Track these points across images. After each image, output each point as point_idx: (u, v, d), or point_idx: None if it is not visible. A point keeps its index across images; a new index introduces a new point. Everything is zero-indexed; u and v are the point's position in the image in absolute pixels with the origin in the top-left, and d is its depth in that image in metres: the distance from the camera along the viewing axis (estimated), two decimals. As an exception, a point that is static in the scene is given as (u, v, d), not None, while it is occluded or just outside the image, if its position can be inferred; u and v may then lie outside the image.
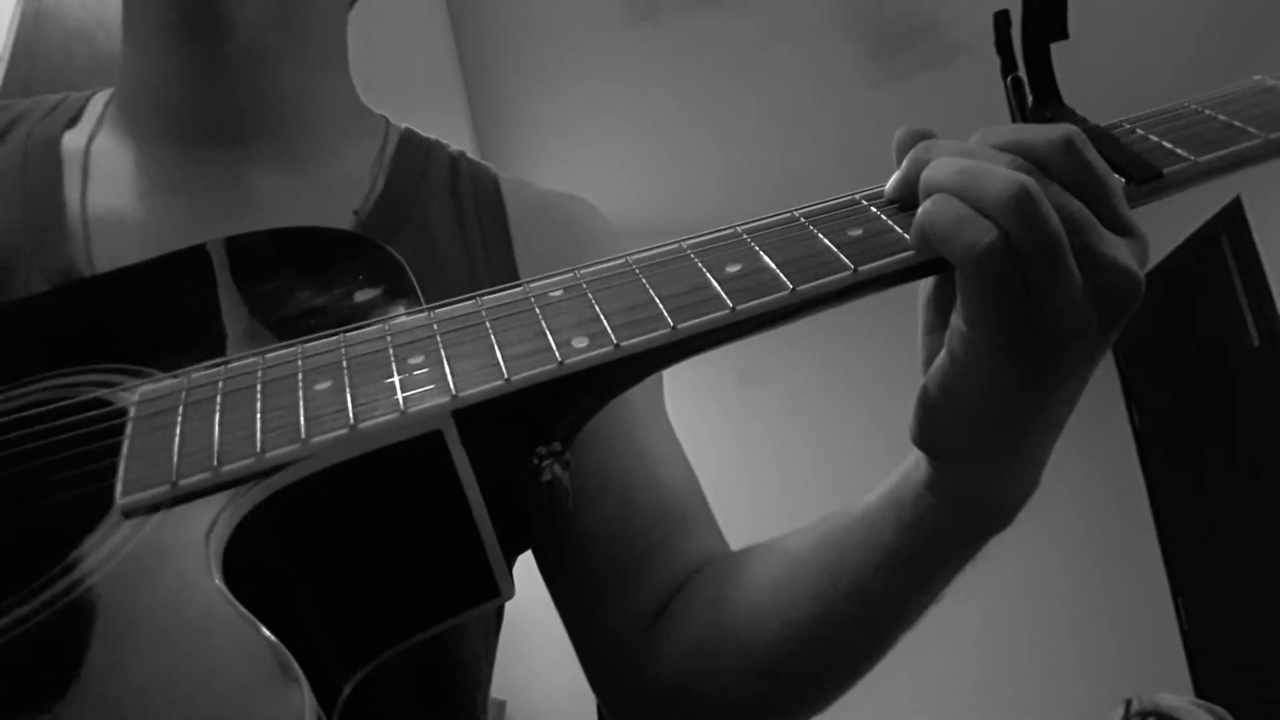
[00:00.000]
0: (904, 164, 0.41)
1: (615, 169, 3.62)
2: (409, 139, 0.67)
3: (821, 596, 0.49)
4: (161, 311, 0.48)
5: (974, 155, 0.38)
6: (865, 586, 0.47)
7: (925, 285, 0.42)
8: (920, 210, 0.38)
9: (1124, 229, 0.38)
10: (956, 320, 0.38)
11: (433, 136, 0.69)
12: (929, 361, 0.42)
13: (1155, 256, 3.69)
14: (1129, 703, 1.97)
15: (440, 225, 0.61)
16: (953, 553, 0.45)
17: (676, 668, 0.55)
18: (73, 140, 0.61)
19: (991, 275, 0.36)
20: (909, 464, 0.45)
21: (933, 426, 0.41)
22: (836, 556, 0.49)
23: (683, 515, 0.59)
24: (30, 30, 1.29)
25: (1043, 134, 0.38)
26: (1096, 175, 0.38)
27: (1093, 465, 3.82)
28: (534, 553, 0.59)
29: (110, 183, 0.58)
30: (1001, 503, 0.43)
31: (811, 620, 0.50)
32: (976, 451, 0.41)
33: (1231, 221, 3.29)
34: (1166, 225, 3.61)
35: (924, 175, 0.39)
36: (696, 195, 3.70)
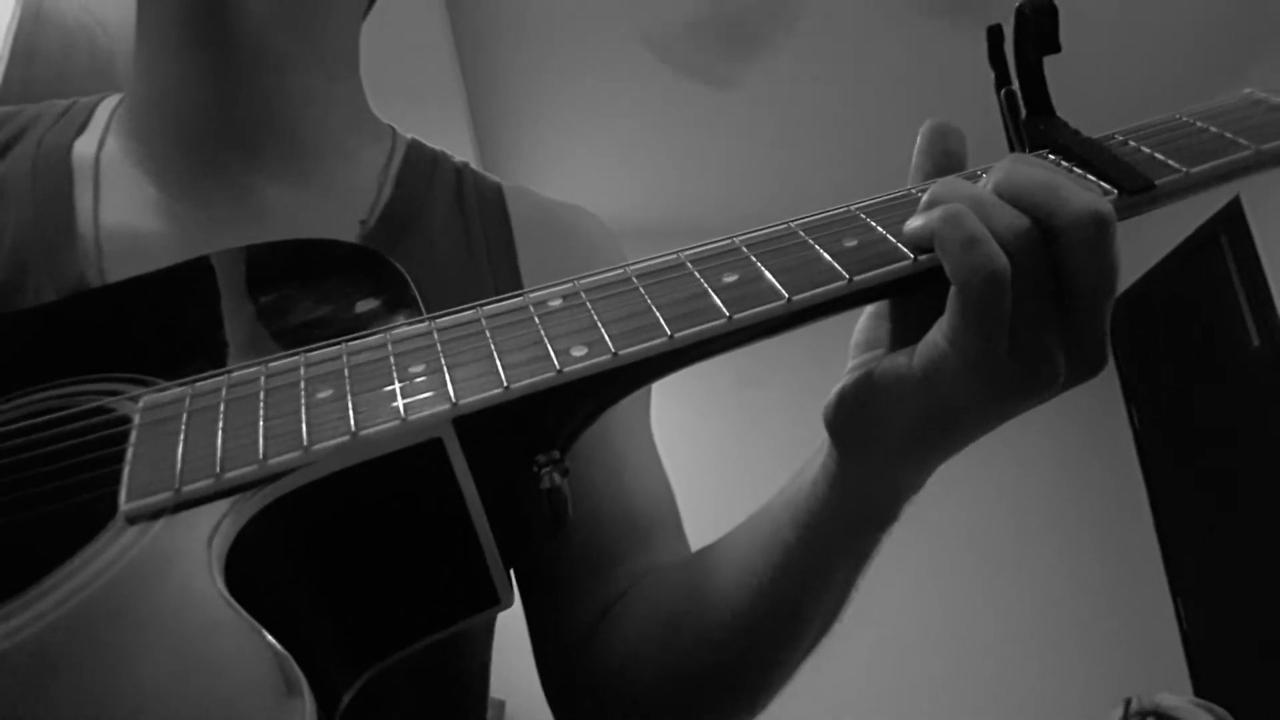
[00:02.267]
0: (921, 204, 0.40)
1: (615, 169, 3.62)
2: (416, 149, 0.67)
3: (729, 598, 0.50)
4: (168, 321, 0.49)
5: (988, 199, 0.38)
6: (767, 586, 0.48)
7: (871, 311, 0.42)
8: (932, 217, 0.37)
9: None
10: (936, 334, 0.38)
11: (438, 148, 0.69)
12: (866, 345, 0.43)
13: (1155, 256, 3.69)
14: (1129, 703, 1.98)
15: (446, 235, 0.61)
16: (841, 546, 0.45)
17: (602, 668, 0.56)
18: (82, 148, 0.61)
19: (989, 304, 0.36)
20: (805, 460, 0.46)
21: (858, 415, 0.41)
22: (746, 557, 0.49)
23: (648, 530, 0.59)
24: (30, 30, 1.30)
25: (1080, 199, 0.36)
26: (1111, 262, 0.37)
27: (1093, 465, 3.83)
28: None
29: (120, 192, 0.59)
30: (889, 502, 0.43)
31: (720, 623, 0.50)
32: (888, 449, 0.41)
33: (1231, 221, 3.29)
34: (1166, 225, 3.61)
35: (935, 191, 0.39)
36: (696, 196, 3.70)
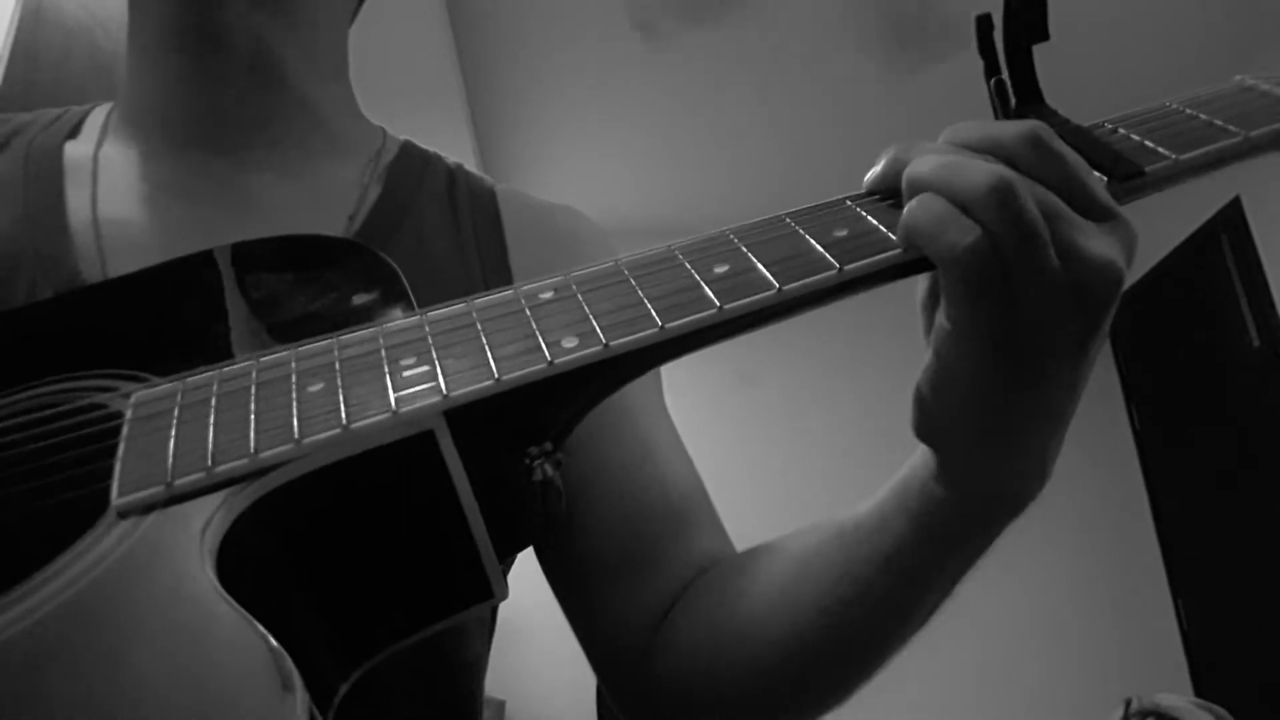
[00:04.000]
0: (883, 160, 0.41)
1: (615, 169, 3.62)
2: (408, 150, 0.68)
3: (830, 592, 0.49)
4: (160, 318, 0.49)
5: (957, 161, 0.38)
6: (874, 580, 0.47)
7: (921, 289, 0.42)
8: (905, 210, 0.38)
9: (1102, 214, 0.38)
10: (940, 319, 0.38)
11: (431, 149, 0.69)
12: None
13: (1155, 256, 3.69)
14: (1129, 703, 1.97)
15: (436, 233, 0.62)
16: (959, 542, 0.45)
17: (683, 666, 0.55)
18: (75, 149, 0.61)
19: (973, 274, 0.36)
20: (915, 457, 0.46)
21: (928, 420, 0.42)
22: (845, 552, 0.49)
23: (687, 513, 0.59)
24: (30, 30, 1.30)
25: (1009, 129, 0.38)
26: (1066, 164, 0.38)
27: (1093, 465, 3.82)
28: (536, 553, 0.59)
29: (119, 189, 0.59)
30: (1007, 492, 0.43)
31: (819, 616, 0.49)
32: (974, 442, 0.41)
33: (1231, 221, 3.29)
34: (1166, 225, 3.61)
35: (907, 172, 0.39)
36: (696, 195, 3.70)
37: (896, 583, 0.47)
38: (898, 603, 0.48)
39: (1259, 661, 3.19)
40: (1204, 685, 3.41)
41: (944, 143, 0.40)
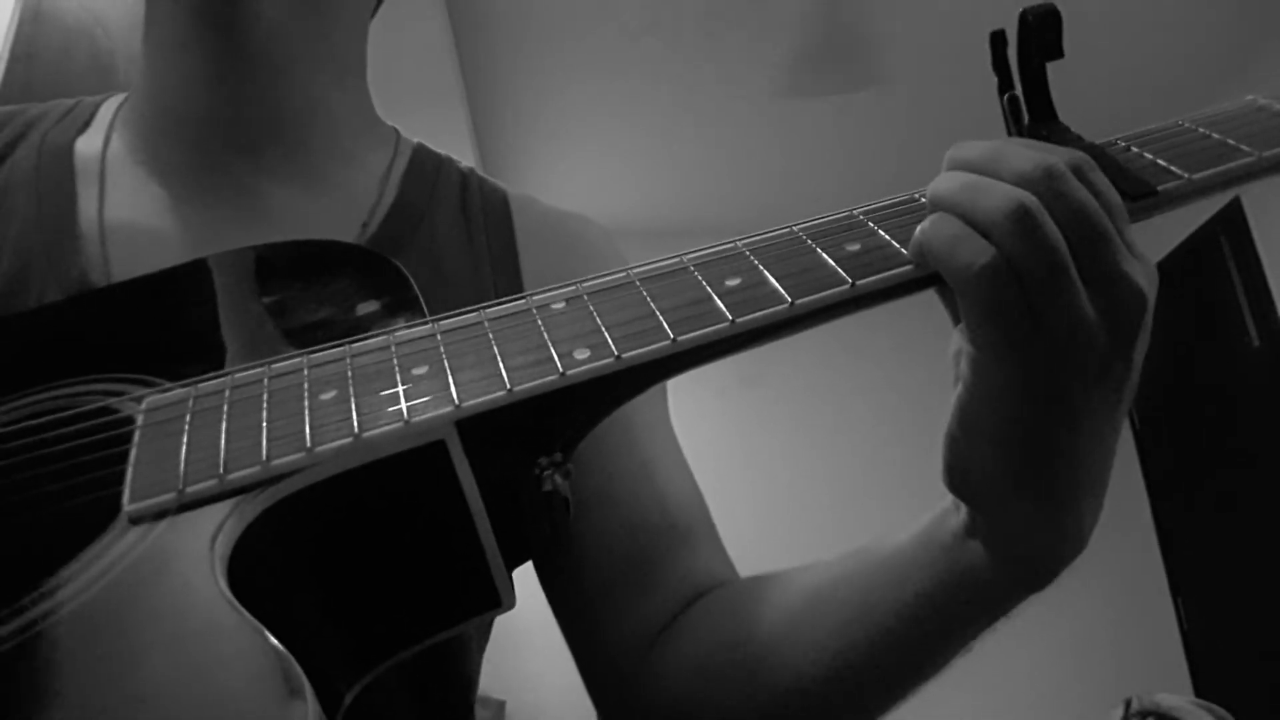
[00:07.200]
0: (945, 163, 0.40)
1: (615, 169, 3.62)
2: (421, 154, 0.67)
3: (841, 633, 0.48)
4: (171, 322, 0.49)
5: (995, 159, 0.38)
6: (889, 628, 0.46)
7: (954, 341, 0.41)
8: (919, 229, 0.38)
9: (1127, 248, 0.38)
10: (966, 345, 0.38)
11: (444, 153, 0.69)
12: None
13: (1155, 256, 3.65)
14: (1129, 702, 1.97)
15: (449, 240, 0.61)
16: (985, 603, 0.44)
17: (679, 688, 0.54)
18: (86, 146, 0.61)
19: (990, 295, 0.36)
20: (944, 507, 0.44)
21: (961, 465, 0.41)
22: (861, 594, 0.47)
23: (686, 530, 0.59)
24: (30, 30, 1.30)
25: (1055, 155, 0.38)
26: (1107, 199, 0.38)
27: (1092, 465, 3.82)
28: (534, 564, 0.59)
29: (126, 190, 0.59)
30: (1039, 554, 0.41)
31: (829, 656, 0.48)
32: (1007, 491, 0.40)
33: (1231, 222, 3.29)
34: (1166, 225, 3.60)
35: (930, 189, 0.39)
36: (696, 196, 3.70)
37: (914, 634, 0.46)
38: (914, 653, 0.47)
39: (1259, 661, 3.19)
40: (1204, 685, 3.41)
41: (979, 156, 0.39)
